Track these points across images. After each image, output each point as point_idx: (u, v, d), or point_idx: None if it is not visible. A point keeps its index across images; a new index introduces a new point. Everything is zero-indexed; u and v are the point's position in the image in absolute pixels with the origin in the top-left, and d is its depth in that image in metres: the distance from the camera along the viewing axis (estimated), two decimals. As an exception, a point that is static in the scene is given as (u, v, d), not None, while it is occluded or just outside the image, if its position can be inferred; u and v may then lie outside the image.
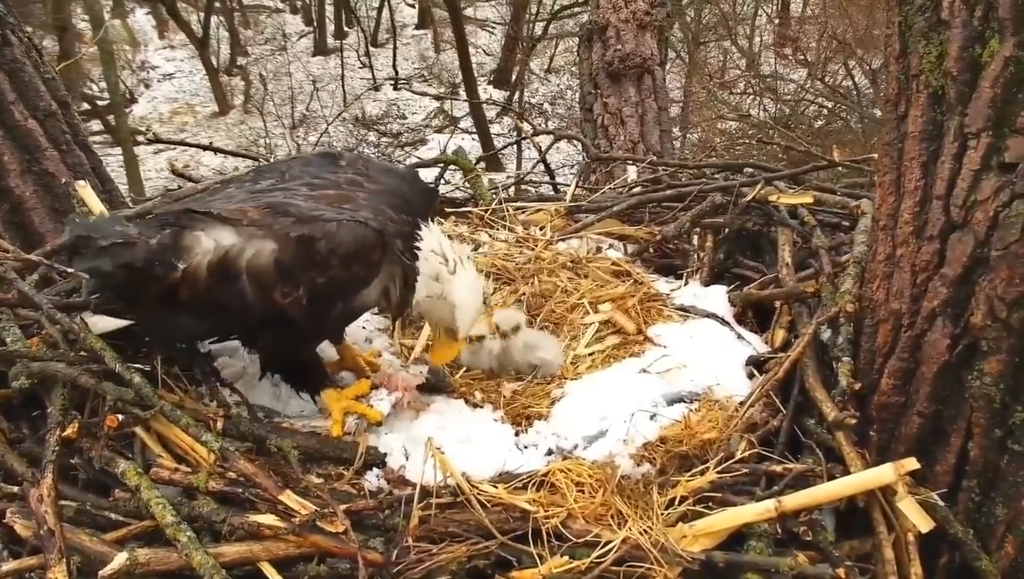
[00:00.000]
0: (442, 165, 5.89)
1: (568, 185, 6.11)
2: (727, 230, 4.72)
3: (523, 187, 6.54)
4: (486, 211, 5.16)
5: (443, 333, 3.51)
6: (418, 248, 3.28)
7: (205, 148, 8.66)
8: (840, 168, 5.56)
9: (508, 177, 6.79)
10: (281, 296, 2.97)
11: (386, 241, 3.09)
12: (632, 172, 6.05)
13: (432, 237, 3.34)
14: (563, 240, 4.91)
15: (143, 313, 3.18)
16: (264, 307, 2.99)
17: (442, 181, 5.85)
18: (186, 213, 3.03)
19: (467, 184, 5.75)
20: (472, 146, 18.21)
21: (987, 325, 2.84)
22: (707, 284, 4.53)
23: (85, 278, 3.33)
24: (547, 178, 7.04)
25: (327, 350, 3.67)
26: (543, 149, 6.89)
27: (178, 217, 3.03)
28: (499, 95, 23.75)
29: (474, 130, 20.18)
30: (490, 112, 21.56)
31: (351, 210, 3.10)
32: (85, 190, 4.09)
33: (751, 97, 20.02)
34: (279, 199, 3.14)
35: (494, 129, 21.39)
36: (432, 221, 3.44)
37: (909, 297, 3.07)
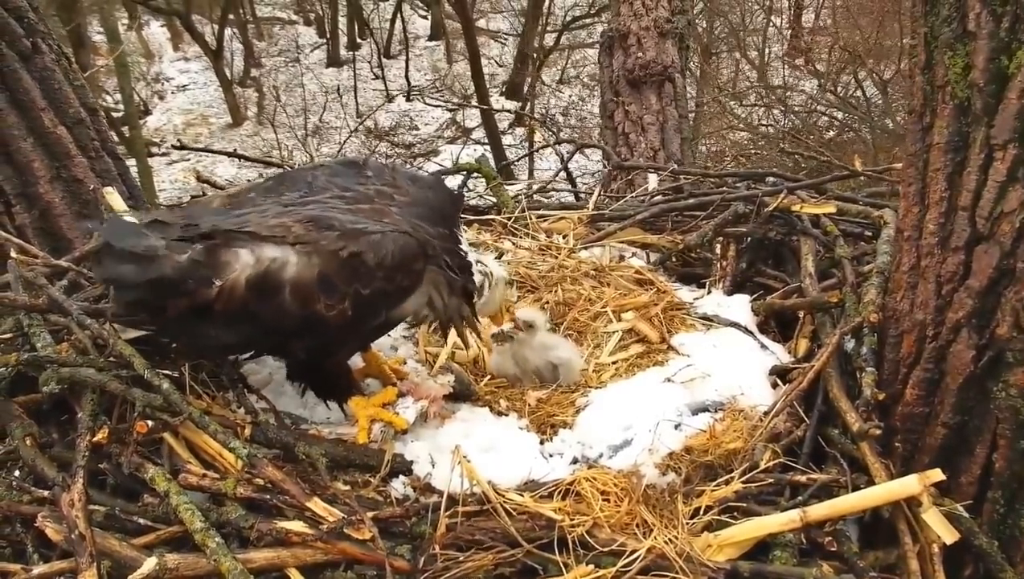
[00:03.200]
0: (465, 173, 5.91)
1: (588, 193, 6.10)
2: (749, 239, 4.72)
3: (536, 196, 6.52)
4: (509, 219, 5.17)
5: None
6: (463, 254, 3.34)
7: (230, 155, 8.70)
8: (861, 177, 5.55)
9: (530, 185, 6.75)
10: (325, 308, 2.97)
11: (428, 252, 3.13)
12: (653, 180, 6.06)
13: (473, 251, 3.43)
14: (586, 248, 4.90)
15: (171, 326, 3.16)
16: (304, 319, 2.99)
17: (466, 189, 5.87)
18: (224, 233, 3.00)
19: (489, 191, 5.75)
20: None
21: (1013, 336, 2.85)
22: (730, 293, 4.53)
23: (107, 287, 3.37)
24: (568, 186, 7.01)
25: (353, 357, 3.68)
26: (566, 157, 6.86)
27: (213, 234, 3.00)
28: (511, 106, 23.77)
29: (486, 141, 20.18)
30: (502, 123, 21.58)
31: (390, 224, 3.12)
32: (112, 196, 4.12)
33: (762, 108, 20.00)
34: (318, 212, 3.13)
35: (506, 140, 21.40)
36: (459, 226, 3.50)
37: (934, 308, 3.07)
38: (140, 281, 2.97)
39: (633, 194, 5.88)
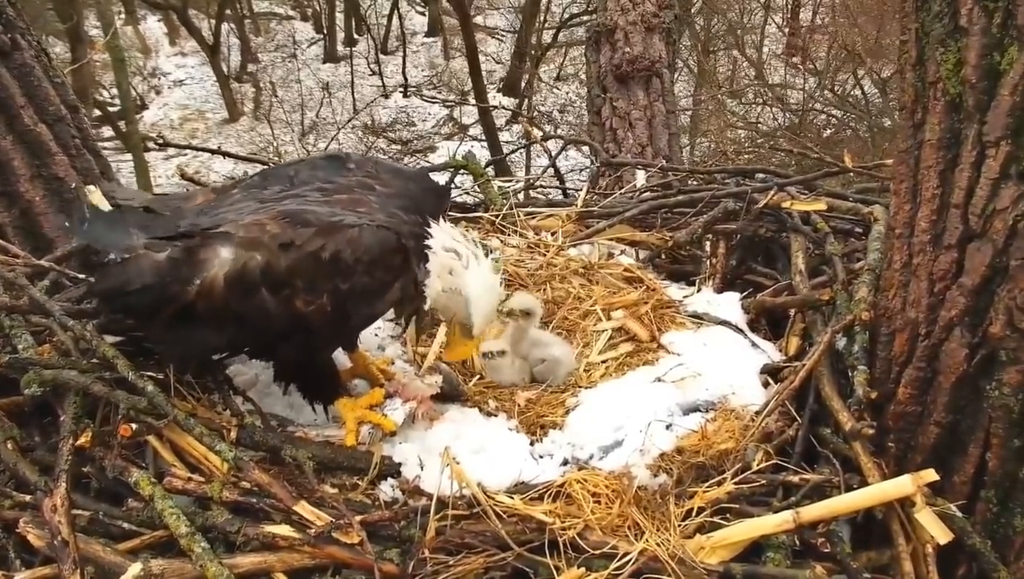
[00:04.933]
0: (452, 169, 5.87)
1: (576, 190, 6.06)
2: (739, 236, 4.68)
3: (531, 193, 6.49)
4: (497, 216, 5.13)
5: (459, 330, 3.49)
6: (428, 247, 3.26)
7: (213, 152, 8.66)
8: (851, 174, 5.52)
9: (517, 181, 6.71)
10: (304, 304, 2.96)
11: (405, 244, 3.10)
12: (641, 177, 6.02)
13: (444, 233, 3.32)
14: (575, 246, 4.87)
15: (156, 330, 3.16)
16: (285, 316, 2.98)
17: (453, 185, 5.82)
18: (201, 232, 3.00)
19: (477, 188, 5.71)
20: (482, 154, 18.20)
21: (1006, 335, 2.82)
22: (720, 291, 4.49)
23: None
24: (557, 183, 6.97)
25: (340, 357, 3.66)
26: (554, 154, 6.82)
27: (191, 232, 3.02)
28: (508, 103, 23.71)
29: (483, 138, 20.16)
30: (499, 120, 21.53)
31: (367, 214, 3.09)
32: (94, 194, 4.07)
33: (760, 106, 20.00)
34: (293, 207, 3.11)
35: (503, 137, 21.34)
36: (444, 219, 3.44)
37: (926, 306, 3.05)
38: (123, 286, 2.98)
39: (622, 191, 5.84)
